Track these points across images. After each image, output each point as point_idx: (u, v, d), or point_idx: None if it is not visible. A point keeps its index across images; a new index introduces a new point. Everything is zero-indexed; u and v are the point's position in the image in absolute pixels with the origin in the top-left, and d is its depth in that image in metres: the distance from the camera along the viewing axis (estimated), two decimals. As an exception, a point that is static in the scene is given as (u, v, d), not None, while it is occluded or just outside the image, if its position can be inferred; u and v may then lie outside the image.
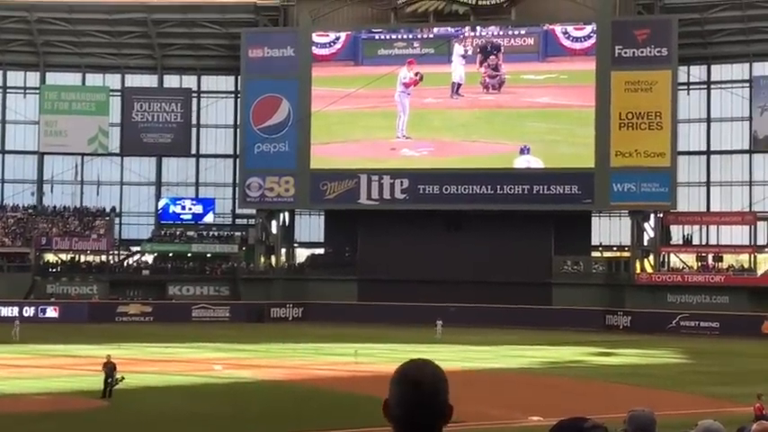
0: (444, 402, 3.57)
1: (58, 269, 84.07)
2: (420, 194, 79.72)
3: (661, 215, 79.53)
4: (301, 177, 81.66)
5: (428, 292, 74.41)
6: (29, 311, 75.44)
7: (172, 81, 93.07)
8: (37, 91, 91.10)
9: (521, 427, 29.72)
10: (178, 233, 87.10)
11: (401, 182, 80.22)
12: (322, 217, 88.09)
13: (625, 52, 76.57)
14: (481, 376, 42.49)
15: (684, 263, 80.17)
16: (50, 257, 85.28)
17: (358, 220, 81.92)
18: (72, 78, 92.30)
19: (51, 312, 76.22)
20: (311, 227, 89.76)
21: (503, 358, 52.00)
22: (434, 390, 3.55)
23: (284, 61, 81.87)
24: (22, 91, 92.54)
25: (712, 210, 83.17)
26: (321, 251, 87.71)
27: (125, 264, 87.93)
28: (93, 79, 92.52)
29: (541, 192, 77.70)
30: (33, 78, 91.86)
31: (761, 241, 79.60)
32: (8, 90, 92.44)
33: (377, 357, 50.71)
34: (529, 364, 49.96)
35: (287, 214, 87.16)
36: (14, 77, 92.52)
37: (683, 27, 77.77)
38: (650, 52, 76.31)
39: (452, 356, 47.08)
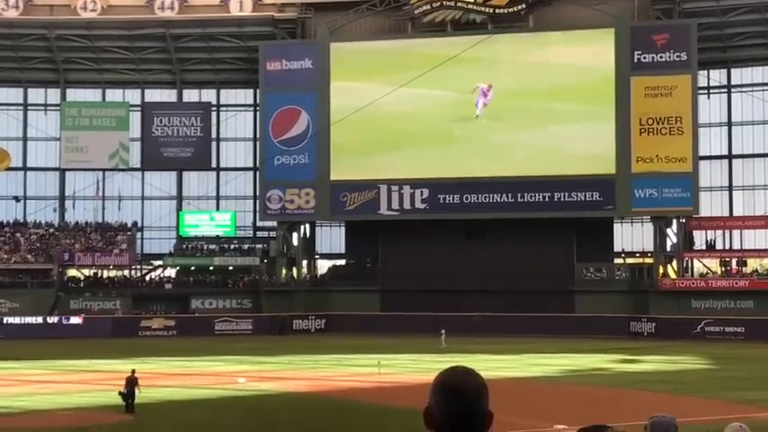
0: (485, 409, 3.62)
1: (81, 285, 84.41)
2: (440, 204, 79.66)
3: (683, 220, 79.15)
4: (321, 189, 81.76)
5: (451, 302, 74.29)
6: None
7: (191, 95, 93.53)
8: (57, 108, 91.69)
9: (546, 436, 29.54)
10: (200, 247, 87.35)
11: (421, 192, 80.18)
12: (343, 228, 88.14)
13: (644, 57, 76.35)
14: (505, 385, 42.24)
15: (708, 268, 79.71)
16: (73, 273, 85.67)
17: (379, 231, 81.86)
18: (92, 94, 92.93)
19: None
20: (332, 238, 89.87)
21: (526, 366, 51.75)
22: (477, 397, 3.61)
23: (302, 73, 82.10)
24: (43, 108, 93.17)
25: (735, 214, 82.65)
26: (342, 262, 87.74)
27: (147, 278, 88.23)
28: (113, 95, 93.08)
29: (563, 199, 77.50)
30: (54, 95, 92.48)
31: (785, 245, 79.01)
32: (29, 107, 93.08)
33: (400, 368, 50.64)
34: (553, 372, 49.70)
35: (308, 226, 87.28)
36: (35, 95, 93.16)
37: (702, 31, 77.45)
38: (670, 57, 76.07)
39: (475, 365, 46.63)
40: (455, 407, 3.56)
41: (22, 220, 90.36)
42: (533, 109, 78.42)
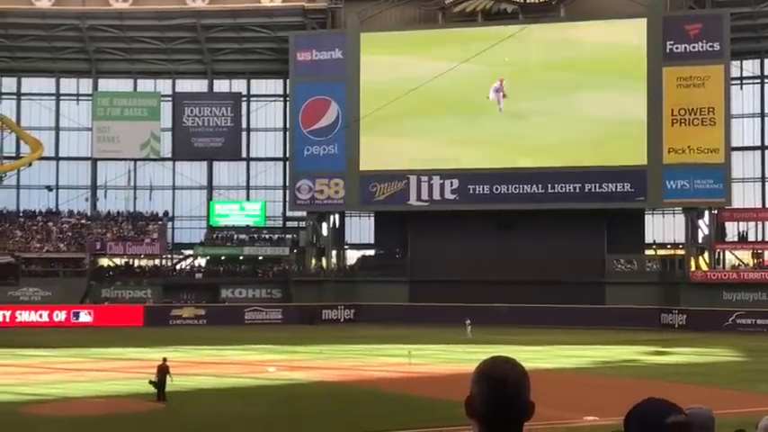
0: (527, 399, 3.62)
1: (113, 273, 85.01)
2: (470, 194, 79.48)
3: (715, 212, 78.57)
4: (351, 179, 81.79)
5: (480, 293, 74.10)
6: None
7: (221, 85, 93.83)
8: (89, 98, 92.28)
9: (576, 428, 29.44)
10: (230, 236, 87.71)
11: (451, 182, 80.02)
12: (372, 218, 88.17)
13: (677, 48, 75.76)
14: (535, 376, 41.96)
15: (740, 260, 79.11)
16: (105, 262, 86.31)
17: (408, 221, 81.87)
18: (124, 84, 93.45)
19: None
20: (361, 228, 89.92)
21: (556, 358, 51.58)
22: (518, 386, 3.60)
23: (332, 63, 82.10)
24: (75, 98, 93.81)
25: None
26: (372, 253, 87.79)
27: (178, 267, 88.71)
28: (145, 85, 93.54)
29: (594, 190, 77.11)
30: (86, 85, 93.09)
31: (818, 237, 78.33)
32: (61, 97, 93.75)
33: (430, 358, 50.64)
34: (583, 363, 49.54)
35: (337, 216, 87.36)
36: (67, 85, 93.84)
37: (735, 21, 76.72)
38: (702, 47, 75.42)
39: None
40: (497, 396, 3.56)
41: (54, 210, 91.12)
42: (564, 97, 78.11)
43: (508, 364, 3.63)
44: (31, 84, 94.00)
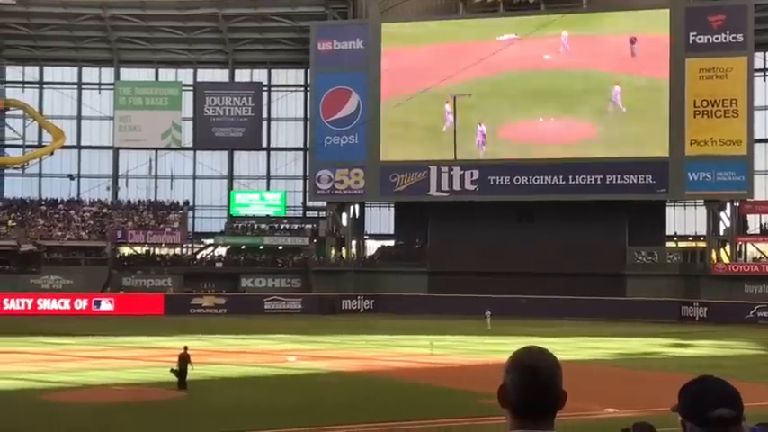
0: (559, 388, 3.63)
1: (134, 262, 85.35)
2: (490, 186, 79.33)
3: (737, 204, 78.18)
4: (371, 169, 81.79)
5: (500, 284, 73.99)
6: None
7: (243, 75, 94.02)
8: (111, 87, 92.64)
9: (596, 419, 29.39)
10: (250, 226, 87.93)
11: (471, 173, 79.89)
12: (392, 209, 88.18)
13: (699, 39, 75.33)
14: (555, 368, 41.95)
15: (762, 252, 78.70)
16: (126, 251, 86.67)
17: (428, 212, 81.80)
18: (145, 74, 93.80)
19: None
20: (381, 219, 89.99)
21: (577, 350, 51.44)
22: (551, 375, 3.61)
23: (353, 54, 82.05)
24: (97, 87, 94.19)
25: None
26: (391, 243, 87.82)
27: (198, 257, 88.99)
28: (166, 74, 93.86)
29: (615, 181, 76.84)
30: (108, 75, 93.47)
31: (841, 230, 77.73)
32: (83, 86, 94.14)
33: (450, 349, 50.65)
34: (603, 355, 49.45)
35: (357, 206, 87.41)
36: (89, 74, 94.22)
37: (759, 12, 76.24)
38: (725, 39, 74.98)
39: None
40: (529, 385, 3.58)
41: (76, 198, 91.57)
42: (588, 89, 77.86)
43: (541, 354, 3.66)
44: (53, 73, 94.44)
